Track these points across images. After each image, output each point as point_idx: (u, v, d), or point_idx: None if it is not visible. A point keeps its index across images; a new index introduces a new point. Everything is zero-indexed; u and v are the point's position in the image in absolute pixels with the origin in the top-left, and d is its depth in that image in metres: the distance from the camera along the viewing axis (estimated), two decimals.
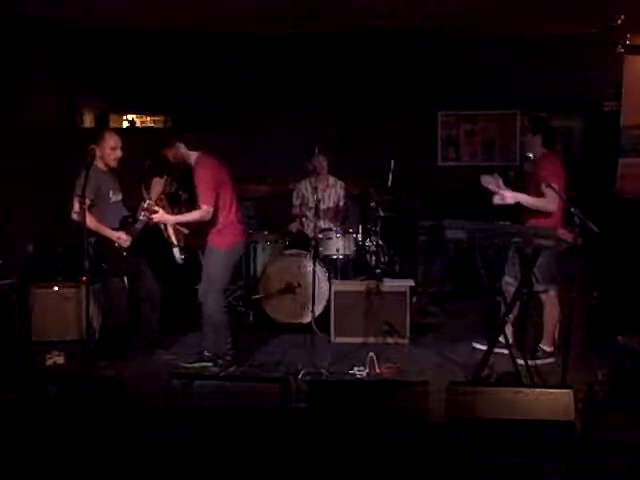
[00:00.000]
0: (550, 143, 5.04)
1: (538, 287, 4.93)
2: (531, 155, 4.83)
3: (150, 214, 4.78)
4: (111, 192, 4.95)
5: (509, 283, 5.07)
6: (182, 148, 4.86)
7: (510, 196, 4.77)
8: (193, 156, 4.85)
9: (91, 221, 4.69)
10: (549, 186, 4.45)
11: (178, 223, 4.97)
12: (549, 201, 4.68)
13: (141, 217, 4.82)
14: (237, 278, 6.06)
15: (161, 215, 4.82)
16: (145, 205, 4.76)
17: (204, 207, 4.71)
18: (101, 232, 4.81)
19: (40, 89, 6.59)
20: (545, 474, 2.81)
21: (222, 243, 4.84)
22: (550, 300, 4.99)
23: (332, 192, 6.49)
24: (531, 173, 5.04)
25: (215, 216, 4.77)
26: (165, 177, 5.09)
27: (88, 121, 7.87)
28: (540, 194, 4.72)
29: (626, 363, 4.20)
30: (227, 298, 6.13)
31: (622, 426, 3.47)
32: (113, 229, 4.87)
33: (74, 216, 4.70)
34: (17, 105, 6.06)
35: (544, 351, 5.04)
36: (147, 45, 6.83)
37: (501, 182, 4.81)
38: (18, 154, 5.89)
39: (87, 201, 4.56)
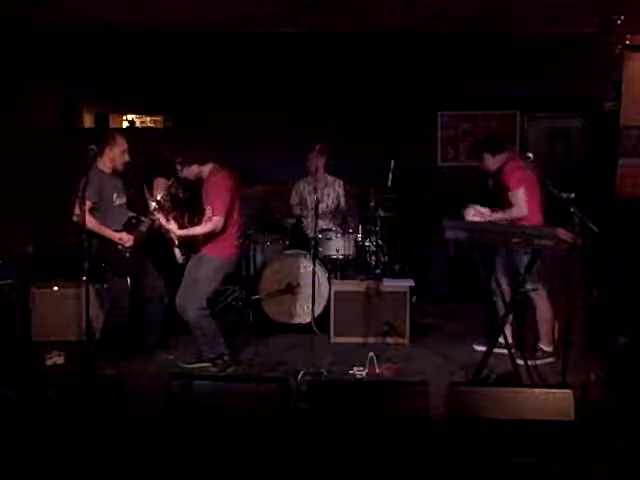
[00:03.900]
0: (499, 149, 5.10)
1: (527, 287, 4.90)
2: (531, 155, 4.83)
3: (157, 217, 4.77)
4: (115, 195, 4.93)
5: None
6: (195, 168, 4.82)
7: (482, 216, 4.83)
8: (207, 168, 4.83)
9: (93, 223, 4.69)
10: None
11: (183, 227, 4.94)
12: (518, 207, 4.83)
13: (146, 219, 4.81)
14: (236, 278, 6.06)
15: (173, 228, 4.82)
16: (158, 198, 4.74)
17: (216, 218, 4.69)
18: (103, 234, 4.81)
19: (40, 89, 6.59)
20: (545, 474, 2.81)
21: (220, 253, 4.81)
22: (541, 299, 5.00)
23: (331, 191, 6.48)
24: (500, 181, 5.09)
25: (223, 226, 4.75)
26: (172, 179, 5.07)
27: (88, 121, 7.87)
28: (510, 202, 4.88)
29: (625, 363, 4.21)
30: (226, 299, 6.16)
31: (619, 426, 3.48)
32: (116, 231, 4.87)
33: (75, 218, 4.69)
34: (17, 105, 6.07)
35: (543, 351, 5.03)
36: (147, 45, 6.84)
37: (478, 207, 4.86)
38: (18, 154, 5.89)
39: (88, 203, 4.56)
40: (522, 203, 4.84)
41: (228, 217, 4.76)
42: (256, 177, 6.78)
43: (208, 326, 4.84)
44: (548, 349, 5.04)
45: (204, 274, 4.80)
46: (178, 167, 4.85)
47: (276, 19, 6.16)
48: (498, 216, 4.84)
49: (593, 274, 5.15)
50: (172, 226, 4.82)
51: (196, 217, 4.96)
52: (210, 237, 4.79)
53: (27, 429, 3.04)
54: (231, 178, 4.83)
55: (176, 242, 4.98)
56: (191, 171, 4.85)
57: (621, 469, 3.14)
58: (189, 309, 4.78)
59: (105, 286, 5.07)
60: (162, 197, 4.85)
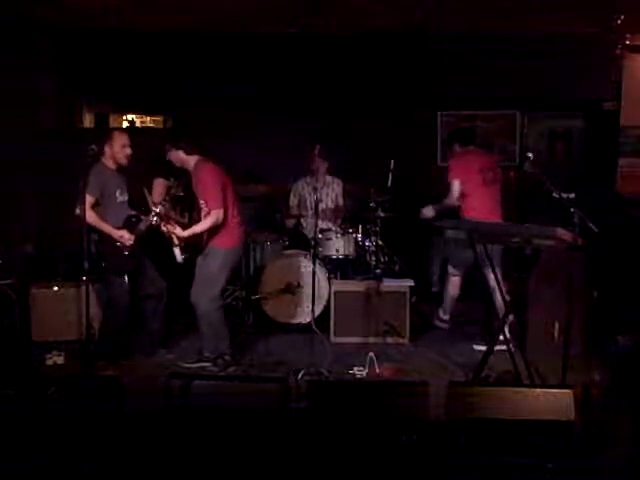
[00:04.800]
0: (469, 141, 5.66)
1: (451, 269, 5.69)
2: (530, 155, 4.83)
3: (161, 221, 4.78)
4: (118, 192, 4.94)
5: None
6: (180, 154, 4.85)
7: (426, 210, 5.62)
8: (192, 160, 4.85)
9: (93, 218, 4.70)
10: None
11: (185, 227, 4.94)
12: (451, 196, 5.45)
13: (146, 218, 4.82)
14: (236, 278, 6.06)
15: (178, 232, 4.83)
16: (157, 210, 4.75)
17: (214, 212, 4.72)
18: (103, 230, 4.81)
19: (40, 89, 6.59)
20: (545, 474, 2.81)
21: (225, 243, 4.84)
22: (453, 282, 5.67)
23: (330, 191, 6.48)
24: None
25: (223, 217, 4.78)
26: (171, 179, 5.07)
27: (88, 121, 7.87)
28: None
29: (625, 363, 4.21)
30: (226, 299, 6.15)
31: (620, 426, 3.47)
32: (117, 228, 4.87)
33: (77, 212, 4.68)
34: (17, 105, 6.06)
35: (441, 318, 5.82)
36: (147, 45, 6.84)
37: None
38: (18, 153, 5.89)
39: (90, 199, 4.57)
40: (452, 191, 5.43)
41: (226, 206, 4.78)
42: (256, 177, 6.77)
43: (217, 320, 4.86)
44: (445, 317, 5.81)
45: (213, 266, 4.84)
46: (166, 148, 4.87)
47: (276, 20, 6.16)
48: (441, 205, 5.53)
49: (593, 274, 5.14)
50: (177, 230, 4.85)
51: (195, 214, 4.98)
52: (213, 230, 4.81)
53: (27, 429, 3.04)
54: (217, 170, 4.84)
55: (176, 242, 4.99)
56: (176, 156, 4.87)
57: (621, 469, 3.13)
58: (202, 301, 4.81)
59: (104, 285, 5.06)
60: (161, 204, 4.82)
